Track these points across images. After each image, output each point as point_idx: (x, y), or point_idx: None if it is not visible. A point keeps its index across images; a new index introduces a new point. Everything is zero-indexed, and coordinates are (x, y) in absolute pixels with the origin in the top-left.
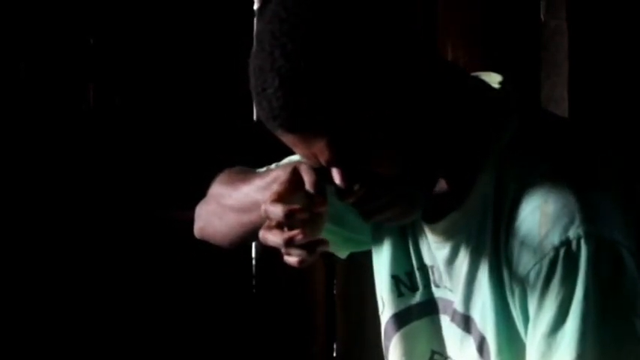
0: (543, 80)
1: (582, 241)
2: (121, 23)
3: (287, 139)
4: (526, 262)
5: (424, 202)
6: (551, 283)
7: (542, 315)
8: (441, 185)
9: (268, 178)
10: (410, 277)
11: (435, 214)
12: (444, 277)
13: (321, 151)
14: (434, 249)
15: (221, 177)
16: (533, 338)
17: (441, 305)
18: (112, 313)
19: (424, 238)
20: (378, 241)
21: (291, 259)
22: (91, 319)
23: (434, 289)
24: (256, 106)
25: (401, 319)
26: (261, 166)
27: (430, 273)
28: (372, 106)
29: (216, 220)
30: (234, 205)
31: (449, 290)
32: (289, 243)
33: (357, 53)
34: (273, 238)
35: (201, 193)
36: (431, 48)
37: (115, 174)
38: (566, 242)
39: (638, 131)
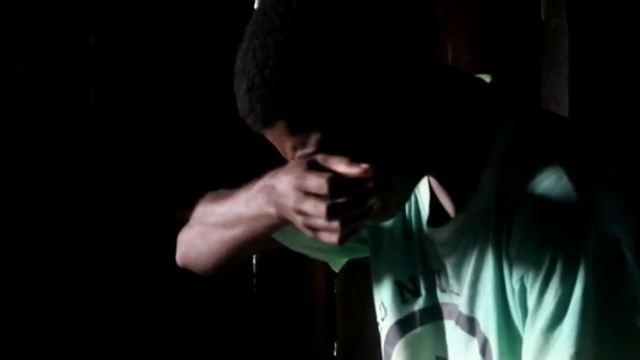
0: (544, 79)
1: (583, 238)
2: (122, 22)
3: (264, 135)
4: (527, 259)
5: (402, 204)
6: (552, 279)
7: (541, 311)
8: (444, 188)
9: (254, 189)
10: (414, 283)
11: (439, 218)
12: (452, 281)
13: (290, 153)
14: (440, 253)
15: (204, 200)
16: (531, 333)
17: (445, 311)
18: (111, 313)
19: (430, 242)
20: (378, 247)
21: (339, 233)
22: (90, 319)
23: (439, 294)
24: (237, 103)
25: (404, 325)
26: (260, 167)
27: (436, 278)
28: (347, 113)
29: (198, 242)
30: (218, 220)
31: (455, 294)
32: (358, 205)
33: (327, 62)
34: (345, 207)
35: (200, 193)
36: (428, 47)
37: (115, 174)
38: (566, 239)
39: (638, 131)
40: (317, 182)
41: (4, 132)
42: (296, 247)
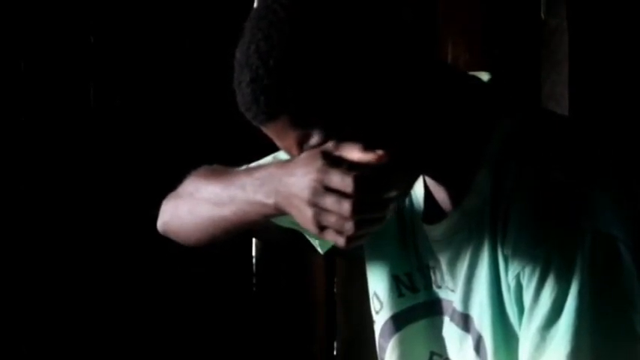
0: (543, 79)
1: (579, 236)
2: (122, 22)
3: (264, 130)
4: (523, 257)
5: (401, 201)
6: (548, 277)
7: (537, 309)
8: (439, 185)
9: (255, 175)
10: (410, 278)
11: (434, 214)
12: (446, 277)
13: (291, 148)
14: (435, 250)
15: (196, 173)
16: (528, 332)
17: (441, 306)
18: (111, 313)
19: (424, 239)
20: (372, 239)
21: (350, 233)
22: (91, 319)
23: (435, 290)
24: (237, 97)
25: (400, 320)
26: None
27: (431, 274)
28: (350, 106)
29: (184, 214)
30: (210, 197)
31: (450, 290)
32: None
33: (331, 54)
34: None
35: None
36: (427, 46)
37: (116, 173)
38: (563, 237)
39: (638, 130)
40: (342, 179)
41: (4, 132)
42: (285, 224)
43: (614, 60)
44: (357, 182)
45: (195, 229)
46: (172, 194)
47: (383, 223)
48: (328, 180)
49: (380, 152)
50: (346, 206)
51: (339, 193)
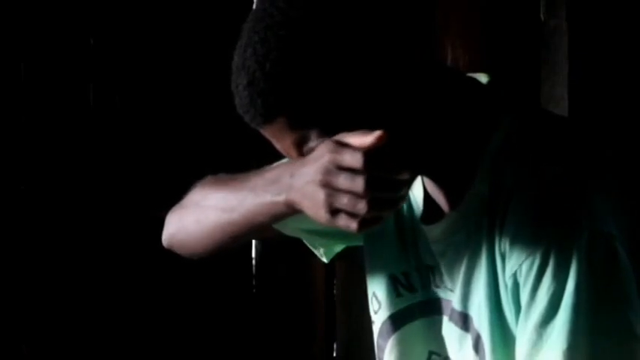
0: (543, 80)
1: (577, 234)
2: (121, 23)
3: (262, 132)
4: (520, 255)
5: (401, 202)
6: (544, 274)
7: (534, 306)
8: (438, 186)
9: (266, 176)
10: (408, 278)
11: (433, 215)
12: (445, 277)
13: (289, 149)
14: (434, 250)
15: (202, 183)
16: (525, 329)
17: (440, 306)
18: (111, 313)
19: (423, 239)
20: (371, 238)
21: (364, 214)
22: (91, 319)
23: (434, 289)
24: (235, 100)
25: (398, 320)
26: (260, 166)
27: (430, 274)
28: (347, 107)
29: (191, 225)
30: (218, 204)
31: (449, 290)
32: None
33: (327, 57)
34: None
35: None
36: (427, 46)
37: (116, 173)
38: (560, 235)
39: (638, 131)
40: (353, 156)
41: (4, 132)
42: (290, 231)
43: (614, 61)
44: (367, 157)
45: (201, 237)
46: (176, 206)
47: (397, 206)
48: (340, 159)
49: (378, 133)
50: (359, 181)
51: (352, 171)
